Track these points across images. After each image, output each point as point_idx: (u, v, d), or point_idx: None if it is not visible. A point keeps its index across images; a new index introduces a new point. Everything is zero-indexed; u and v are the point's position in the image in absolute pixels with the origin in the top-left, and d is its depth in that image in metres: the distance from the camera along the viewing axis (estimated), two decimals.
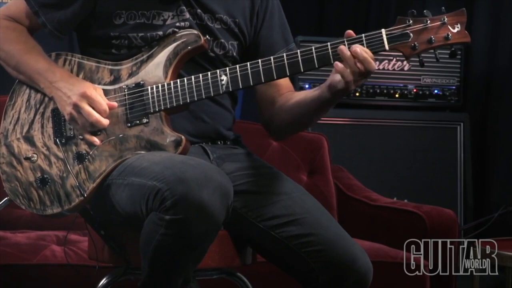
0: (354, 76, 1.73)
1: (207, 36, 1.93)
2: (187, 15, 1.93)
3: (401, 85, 3.72)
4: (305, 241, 1.82)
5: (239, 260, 1.93)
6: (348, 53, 1.73)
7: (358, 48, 1.72)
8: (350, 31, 1.76)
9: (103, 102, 1.83)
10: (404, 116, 3.71)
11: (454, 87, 3.75)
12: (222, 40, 1.96)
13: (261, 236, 1.86)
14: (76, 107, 1.82)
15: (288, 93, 2.00)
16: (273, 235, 1.84)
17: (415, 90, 3.72)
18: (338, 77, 1.75)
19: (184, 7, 1.93)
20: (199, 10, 1.94)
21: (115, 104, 1.85)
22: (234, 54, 1.99)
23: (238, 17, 1.99)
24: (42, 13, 1.92)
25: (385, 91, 3.71)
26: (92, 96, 1.82)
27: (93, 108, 1.82)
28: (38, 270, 2.40)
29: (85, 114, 1.82)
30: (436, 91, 3.74)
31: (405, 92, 3.72)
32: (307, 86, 3.59)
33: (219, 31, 1.96)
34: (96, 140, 1.84)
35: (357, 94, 3.69)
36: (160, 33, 1.90)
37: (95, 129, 1.84)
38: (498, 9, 4.03)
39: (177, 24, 1.92)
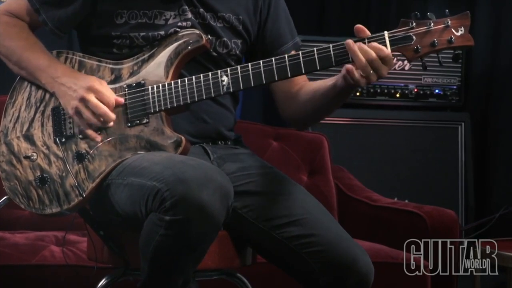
0: (364, 72, 1.71)
1: (209, 36, 1.92)
2: (189, 15, 1.92)
3: (402, 84, 3.71)
4: (306, 242, 1.81)
5: (239, 261, 1.92)
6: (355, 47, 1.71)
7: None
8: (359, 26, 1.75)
9: (111, 95, 1.82)
10: (405, 116, 3.70)
11: (455, 87, 3.74)
12: (225, 39, 1.95)
13: (262, 236, 1.85)
14: (82, 100, 1.81)
15: (305, 83, 1.99)
16: (273, 236, 1.84)
17: (416, 90, 3.72)
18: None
19: (186, 7, 1.92)
20: (201, 9, 1.93)
21: (122, 100, 1.84)
22: (238, 52, 1.98)
23: (241, 14, 1.98)
24: (43, 11, 1.91)
25: (385, 90, 3.70)
26: (99, 89, 1.81)
27: (100, 101, 1.81)
28: (37, 271, 2.40)
29: (92, 106, 1.80)
30: (437, 91, 3.73)
31: (406, 91, 3.71)
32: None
33: (222, 30, 1.95)
34: (97, 136, 1.82)
35: (358, 94, 3.68)
36: (162, 32, 1.89)
37: (102, 124, 1.82)
38: (499, 9, 4.02)
39: (179, 24, 1.91)
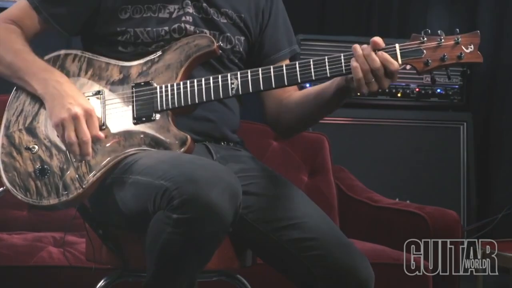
0: (366, 75, 1.73)
1: (220, 42, 1.92)
2: (192, 9, 1.93)
3: (404, 84, 3.70)
4: (305, 246, 1.79)
5: (238, 262, 1.91)
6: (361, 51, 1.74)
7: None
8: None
9: (97, 128, 1.78)
10: (407, 116, 3.69)
11: (457, 87, 3.73)
12: (228, 34, 1.96)
13: (261, 238, 1.84)
14: (75, 117, 1.76)
15: (295, 91, 2.00)
16: (272, 238, 1.82)
17: (417, 90, 3.70)
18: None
19: (188, 1, 1.93)
20: (204, 4, 1.95)
21: (103, 135, 1.80)
22: (241, 49, 1.99)
23: (243, 12, 1.99)
24: (43, 8, 1.90)
25: (387, 90, 3.68)
26: (93, 117, 1.78)
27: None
28: (34, 272, 2.38)
29: (80, 130, 1.76)
30: (439, 91, 3.72)
31: (408, 91, 3.70)
32: (307, 86, 3.57)
33: (225, 26, 1.96)
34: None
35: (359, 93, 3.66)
36: (166, 28, 1.90)
37: (78, 154, 1.77)
38: (501, 8, 4.01)
39: (183, 18, 1.92)
